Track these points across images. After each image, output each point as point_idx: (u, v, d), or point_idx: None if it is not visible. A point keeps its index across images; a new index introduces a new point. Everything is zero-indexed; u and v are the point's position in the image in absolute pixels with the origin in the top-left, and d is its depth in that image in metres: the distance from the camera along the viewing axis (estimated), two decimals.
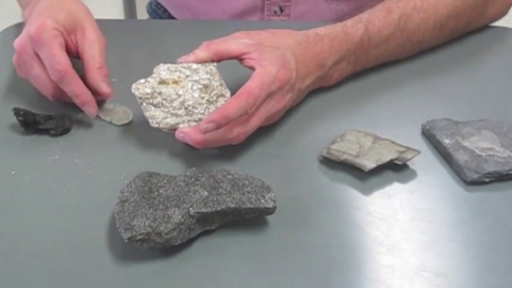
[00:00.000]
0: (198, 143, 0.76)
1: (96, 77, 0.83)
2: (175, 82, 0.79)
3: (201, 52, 0.81)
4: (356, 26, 0.90)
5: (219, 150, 0.81)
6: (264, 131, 0.84)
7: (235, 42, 0.82)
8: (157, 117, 0.78)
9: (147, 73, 0.82)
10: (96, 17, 1.05)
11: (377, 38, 0.91)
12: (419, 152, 0.79)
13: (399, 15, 0.93)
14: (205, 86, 0.78)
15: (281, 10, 1.12)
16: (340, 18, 0.97)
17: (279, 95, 0.80)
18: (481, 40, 1.04)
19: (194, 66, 0.80)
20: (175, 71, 0.79)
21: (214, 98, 0.78)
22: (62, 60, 0.81)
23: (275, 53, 0.80)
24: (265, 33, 0.84)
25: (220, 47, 0.81)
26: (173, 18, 1.26)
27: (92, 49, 0.85)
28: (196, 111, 0.78)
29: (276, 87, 0.79)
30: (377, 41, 0.92)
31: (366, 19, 0.92)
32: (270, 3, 1.11)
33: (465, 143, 0.80)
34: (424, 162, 0.80)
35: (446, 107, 0.89)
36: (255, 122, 0.78)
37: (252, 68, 0.80)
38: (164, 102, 0.78)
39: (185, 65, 0.80)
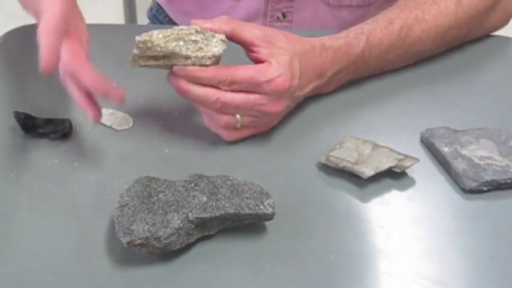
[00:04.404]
0: (180, 89, 0.79)
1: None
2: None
3: (218, 23, 0.81)
4: (358, 38, 0.90)
5: (219, 155, 0.82)
6: (263, 137, 0.84)
7: (250, 31, 0.82)
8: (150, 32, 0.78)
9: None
10: (97, 21, 1.05)
11: (377, 48, 0.91)
12: (417, 160, 0.79)
13: (400, 26, 0.93)
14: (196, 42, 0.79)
15: (284, 16, 1.13)
16: (342, 25, 0.97)
17: (276, 99, 0.80)
18: (481, 49, 1.04)
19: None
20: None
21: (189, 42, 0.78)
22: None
23: (284, 57, 0.80)
24: (278, 33, 0.84)
25: (237, 27, 0.81)
26: (174, 23, 1.26)
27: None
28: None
29: (270, 89, 0.79)
30: (377, 52, 0.92)
31: (368, 30, 0.91)
32: (273, 9, 1.12)
33: (464, 152, 0.80)
34: (423, 170, 0.80)
35: (445, 115, 0.89)
36: (237, 100, 0.79)
37: (256, 63, 0.80)
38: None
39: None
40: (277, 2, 1.11)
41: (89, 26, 1.06)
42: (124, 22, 1.67)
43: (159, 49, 0.77)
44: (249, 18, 1.14)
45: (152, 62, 0.79)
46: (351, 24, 0.93)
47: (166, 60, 0.78)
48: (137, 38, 0.77)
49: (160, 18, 1.30)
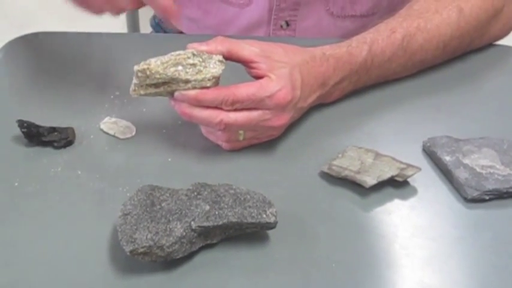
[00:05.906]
0: (184, 113, 0.80)
1: None
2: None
3: (214, 44, 0.81)
4: (360, 47, 0.90)
5: (221, 164, 0.82)
6: (266, 146, 0.84)
7: (247, 48, 0.82)
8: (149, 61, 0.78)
9: None
10: (98, 30, 1.06)
11: (380, 58, 0.92)
12: (419, 169, 0.79)
13: (403, 35, 0.93)
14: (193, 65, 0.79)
15: (287, 24, 1.13)
16: (345, 35, 0.97)
17: (279, 112, 0.81)
18: (483, 58, 1.04)
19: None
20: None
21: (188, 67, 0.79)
22: None
23: (284, 70, 0.81)
24: (276, 47, 0.84)
25: (234, 47, 0.81)
26: (178, 31, 1.26)
27: None
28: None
29: (272, 104, 0.79)
30: (380, 61, 0.92)
31: (370, 39, 0.91)
32: (277, 17, 1.12)
33: (466, 161, 0.81)
34: (425, 179, 0.80)
35: (447, 125, 0.89)
36: (240, 119, 0.79)
37: (257, 79, 0.80)
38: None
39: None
40: (281, 10, 1.12)
41: (92, 34, 1.07)
42: (127, 30, 1.67)
43: (158, 76, 0.77)
44: (253, 26, 1.14)
45: (152, 90, 0.79)
46: (354, 34, 0.94)
47: (167, 86, 0.79)
48: (136, 67, 0.78)
49: (163, 26, 1.31)
